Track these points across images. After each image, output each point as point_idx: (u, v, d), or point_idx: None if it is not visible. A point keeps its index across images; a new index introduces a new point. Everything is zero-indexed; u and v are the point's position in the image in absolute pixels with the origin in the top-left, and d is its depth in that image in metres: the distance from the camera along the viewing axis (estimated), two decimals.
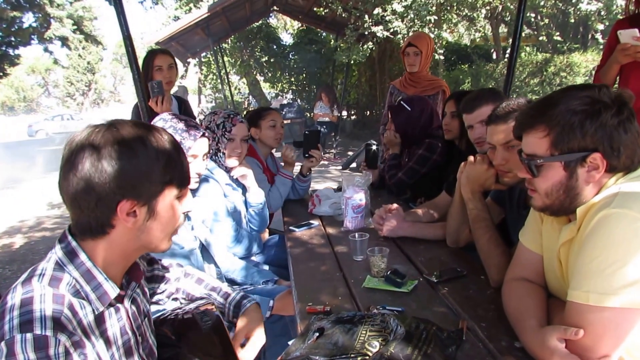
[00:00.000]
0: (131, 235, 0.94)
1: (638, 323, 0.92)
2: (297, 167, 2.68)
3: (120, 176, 0.88)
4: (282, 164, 2.74)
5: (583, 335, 0.93)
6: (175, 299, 1.39)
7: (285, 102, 13.64)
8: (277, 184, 2.56)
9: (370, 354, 0.99)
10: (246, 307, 1.37)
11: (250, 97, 15.90)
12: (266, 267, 2.19)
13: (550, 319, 1.08)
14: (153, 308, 1.26)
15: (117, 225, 0.91)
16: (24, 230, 5.66)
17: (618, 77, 2.30)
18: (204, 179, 2.01)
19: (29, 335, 0.77)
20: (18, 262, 4.42)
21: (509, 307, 1.18)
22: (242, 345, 1.31)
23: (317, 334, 1.12)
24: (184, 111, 3.07)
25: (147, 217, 0.93)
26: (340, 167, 8.08)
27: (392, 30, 8.32)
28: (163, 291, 1.34)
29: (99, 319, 0.92)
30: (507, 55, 10.65)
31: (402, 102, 2.64)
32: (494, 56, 12.12)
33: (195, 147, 1.71)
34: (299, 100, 14.50)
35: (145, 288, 1.17)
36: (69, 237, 0.93)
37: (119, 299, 0.97)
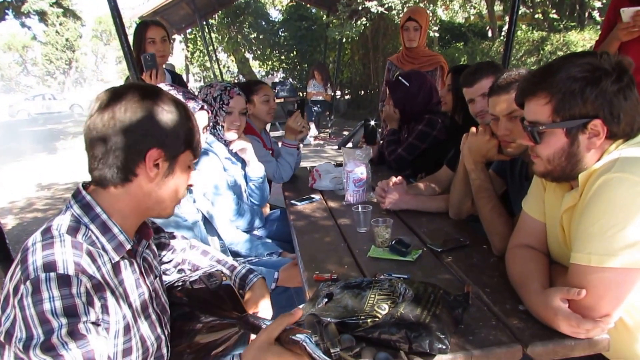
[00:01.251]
0: (148, 189, 0.98)
1: (638, 283, 0.96)
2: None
3: (158, 125, 0.94)
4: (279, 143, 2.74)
5: (585, 295, 0.96)
6: (181, 270, 1.41)
7: (276, 80, 13.47)
8: (283, 155, 2.58)
9: (380, 316, 1.02)
10: (253, 281, 1.40)
11: (240, 76, 15.67)
12: (269, 241, 2.21)
13: (552, 284, 1.12)
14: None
15: (140, 174, 0.96)
16: (15, 212, 5.59)
17: (618, 52, 2.32)
18: (203, 153, 2.01)
19: (52, 274, 0.82)
20: (11, 242, 4.36)
21: (513, 273, 1.21)
22: None
23: (326, 299, 1.15)
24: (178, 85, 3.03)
25: (166, 173, 0.98)
26: (336, 147, 8.08)
27: (386, 5, 8.21)
28: (170, 261, 1.38)
29: (116, 269, 0.97)
30: (503, 33, 10.59)
31: (400, 77, 2.64)
32: (490, 34, 12.04)
33: None
34: (290, 79, 14.32)
35: (156, 250, 1.20)
36: (83, 192, 0.97)
37: (131, 254, 1.02)
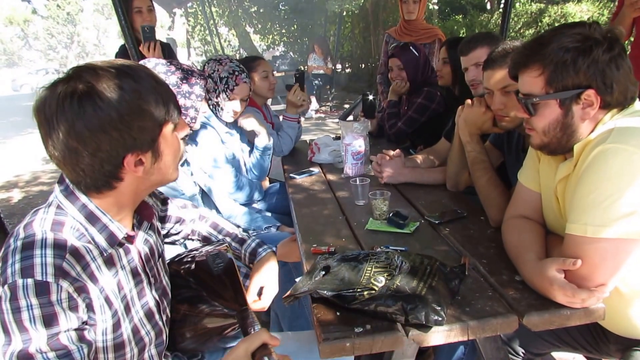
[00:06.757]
0: (141, 180, 0.92)
1: (633, 253, 0.96)
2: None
3: (119, 136, 0.84)
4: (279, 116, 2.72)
5: (580, 265, 0.96)
6: (191, 240, 1.39)
7: (277, 54, 13.30)
8: (285, 128, 2.56)
9: (377, 288, 1.02)
10: (261, 255, 1.36)
11: (241, 50, 15.44)
12: (268, 214, 2.21)
13: (548, 254, 1.12)
14: (168, 249, 1.25)
15: (126, 176, 0.89)
16: (20, 185, 5.64)
17: (631, 27, 2.28)
18: (201, 127, 1.98)
19: (30, 281, 0.77)
20: (18, 215, 4.44)
21: (509, 243, 1.21)
22: (258, 295, 1.31)
23: (323, 272, 1.15)
24: (167, 56, 2.96)
25: (153, 161, 0.91)
26: (337, 120, 8.03)
27: None
28: (179, 232, 1.34)
29: (109, 262, 0.91)
30: (501, 5, 10.35)
31: (409, 46, 2.60)
32: (488, 6, 11.80)
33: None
34: (291, 53, 14.13)
35: (159, 227, 1.16)
36: (67, 180, 0.90)
37: (130, 239, 0.97)
